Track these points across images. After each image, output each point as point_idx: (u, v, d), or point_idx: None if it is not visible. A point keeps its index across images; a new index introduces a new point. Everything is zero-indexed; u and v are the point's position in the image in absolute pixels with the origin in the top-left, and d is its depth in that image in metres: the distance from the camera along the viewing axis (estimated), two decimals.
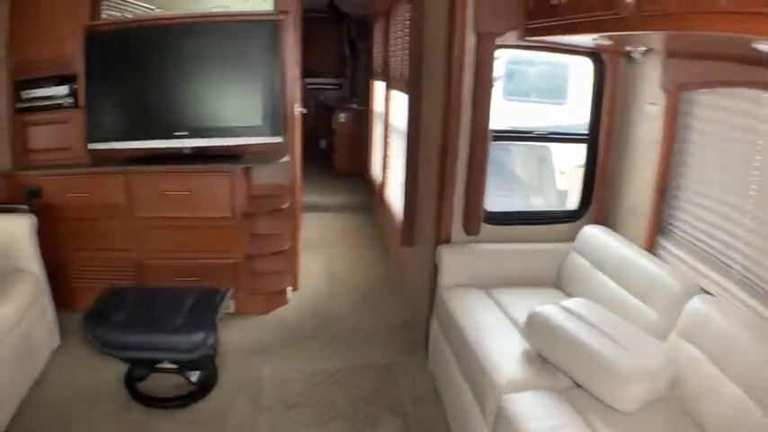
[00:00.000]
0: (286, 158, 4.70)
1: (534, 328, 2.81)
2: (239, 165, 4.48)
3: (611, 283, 3.25)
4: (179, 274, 4.56)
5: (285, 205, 4.75)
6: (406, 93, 4.87)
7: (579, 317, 2.69)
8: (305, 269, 5.46)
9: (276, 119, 4.51)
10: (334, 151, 9.71)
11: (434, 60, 4.11)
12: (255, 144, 4.57)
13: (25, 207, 4.29)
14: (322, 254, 6.14)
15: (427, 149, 4.39)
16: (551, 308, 2.80)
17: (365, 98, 8.94)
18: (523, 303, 3.25)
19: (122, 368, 3.75)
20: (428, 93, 4.38)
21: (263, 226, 4.82)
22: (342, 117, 9.56)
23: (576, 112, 4.41)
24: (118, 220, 4.55)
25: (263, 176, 4.84)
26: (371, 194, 7.76)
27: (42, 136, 4.62)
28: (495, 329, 3.13)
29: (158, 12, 4.76)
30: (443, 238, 3.83)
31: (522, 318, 3.00)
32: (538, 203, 5.24)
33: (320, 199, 8.12)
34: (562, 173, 4.92)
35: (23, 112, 4.58)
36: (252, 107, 4.49)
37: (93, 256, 4.65)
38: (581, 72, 4.09)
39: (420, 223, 4.67)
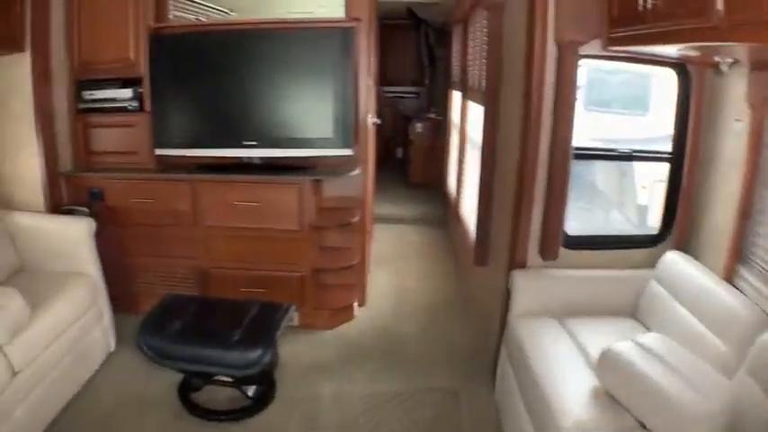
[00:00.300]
0: (357, 171, 4.61)
1: (606, 366, 2.62)
2: (308, 177, 4.43)
3: (689, 315, 3.02)
4: (244, 284, 4.56)
5: (355, 219, 4.68)
6: (483, 104, 4.72)
7: (653, 355, 2.49)
8: (374, 284, 5.41)
9: (347, 131, 4.43)
10: (411, 161, 9.65)
11: (513, 71, 3.93)
12: (326, 156, 4.50)
13: (85, 209, 4.41)
14: (392, 268, 6.05)
15: (504, 165, 4.22)
16: (624, 345, 2.60)
17: (443, 108, 8.84)
18: (598, 336, 3.10)
19: (177, 377, 3.74)
20: (506, 105, 4.21)
21: (332, 239, 4.78)
22: (419, 127, 9.47)
23: (658, 123, 4.16)
24: (183, 227, 4.60)
25: (333, 188, 4.77)
26: (447, 207, 7.64)
27: (106, 138, 4.70)
28: (565, 364, 2.95)
29: (233, 16, 4.78)
30: (518, 263, 3.64)
31: (594, 352, 2.80)
32: (618, 218, 4.98)
33: (394, 210, 8.12)
34: (643, 187, 4.66)
35: (85, 113, 4.65)
36: (323, 118, 4.42)
37: (156, 261, 4.73)
38: (664, 81, 3.83)
39: (494, 242, 4.50)
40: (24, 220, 4.15)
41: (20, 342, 3.15)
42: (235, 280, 4.59)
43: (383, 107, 9.08)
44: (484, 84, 4.74)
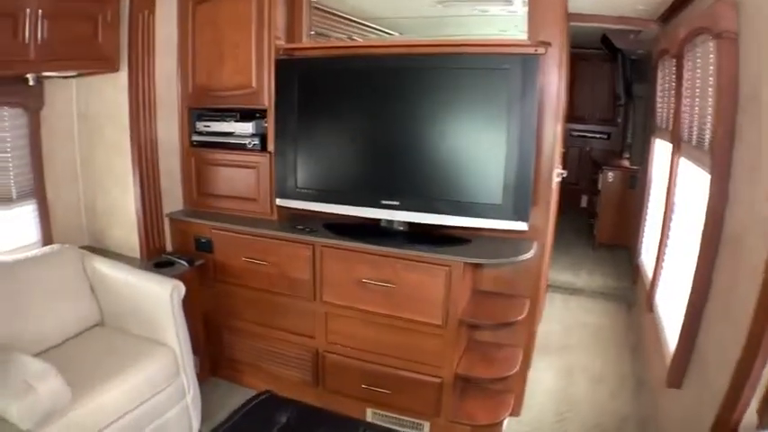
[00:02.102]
0: (531, 253, 3.51)
1: None
2: (463, 258, 3.39)
3: None
4: (365, 379, 3.77)
5: (520, 317, 3.58)
6: (708, 170, 3.52)
7: None
8: (533, 383, 4.34)
9: (523, 196, 3.35)
10: (597, 216, 8.36)
11: (759, 132, 2.76)
12: (490, 228, 3.50)
13: (184, 263, 3.94)
14: (559, 361, 4.93)
15: (733, 262, 2.96)
16: None
17: (640, 155, 7.61)
18: None
19: None
20: (744, 177, 2.98)
21: (486, 338, 3.88)
22: (610, 177, 8.17)
23: None
24: (299, 299, 3.87)
25: (495, 269, 3.81)
26: (635, 282, 6.35)
27: (222, 179, 4.16)
28: None
29: (397, 37, 3.95)
30: (731, 425, 2.46)
31: None
32: None
33: (572, 277, 6.96)
34: None
35: (199, 146, 4.14)
36: (490, 176, 3.39)
37: (265, 332, 4.13)
38: None
39: (696, 361, 3.32)
40: (105, 269, 3.63)
41: (54, 429, 2.70)
42: (354, 372, 3.81)
43: (567, 147, 8.10)
44: (707, 141, 3.57)
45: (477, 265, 3.69)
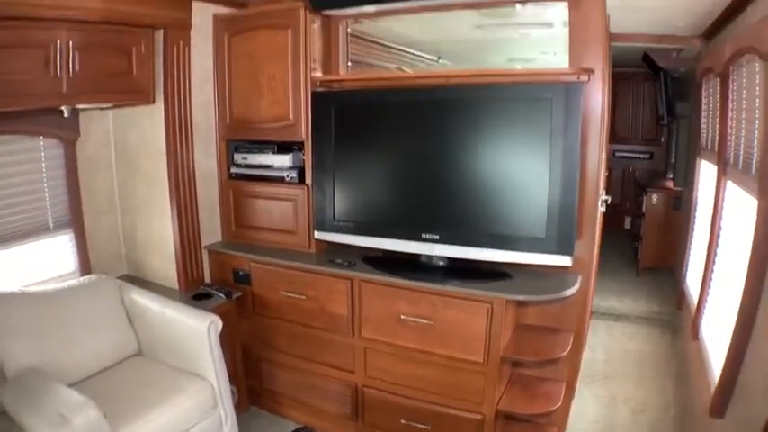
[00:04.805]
0: (575, 288, 3.34)
1: None
2: (505, 294, 3.22)
3: None
4: (404, 415, 3.64)
5: (564, 353, 3.41)
6: (755, 196, 3.32)
7: None
8: (576, 414, 4.18)
9: (567, 229, 3.18)
10: (641, 239, 8.06)
11: None
12: (532, 263, 3.33)
13: (222, 296, 3.94)
14: (602, 390, 4.75)
15: None
16: None
17: (684, 176, 7.38)
18: None
19: None
20: None
21: (529, 372, 3.73)
22: (654, 199, 7.91)
23: None
24: (337, 333, 3.77)
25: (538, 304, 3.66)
26: (680, 307, 6.13)
27: (260, 211, 4.10)
28: None
29: (441, 65, 3.84)
30: None
31: None
32: None
33: (615, 302, 6.73)
34: None
35: (238, 179, 4.10)
36: (532, 209, 3.23)
37: (304, 365, 4.04)
38: None
39: (741, 390, 3.12)
40: (142, 300, 3.62)
41: None
42: (393, 407, 3.68)
43: (610, 169, 7.94)
44: (755, 165, 3.39)
45: (519, 301, 3.52)
